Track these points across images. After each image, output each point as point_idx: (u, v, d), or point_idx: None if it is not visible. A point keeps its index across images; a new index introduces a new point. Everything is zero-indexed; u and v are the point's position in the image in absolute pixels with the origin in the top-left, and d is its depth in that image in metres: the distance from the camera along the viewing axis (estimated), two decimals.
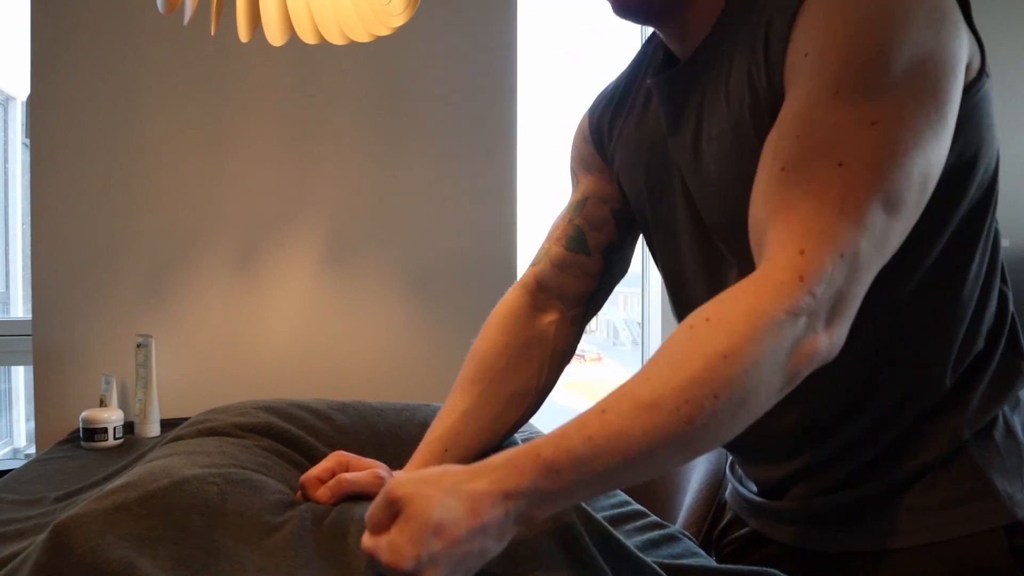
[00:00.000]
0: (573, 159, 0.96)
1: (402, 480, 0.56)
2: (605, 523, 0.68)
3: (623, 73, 0.90)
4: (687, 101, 0.75)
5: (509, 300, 0.93)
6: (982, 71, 0.67)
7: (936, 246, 0.69)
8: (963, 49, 0.62)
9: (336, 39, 1.09)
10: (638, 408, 0.55)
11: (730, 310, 0.57)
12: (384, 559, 0.53)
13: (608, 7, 0.75)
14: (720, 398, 0.54)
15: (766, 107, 0.65)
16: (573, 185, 0.96)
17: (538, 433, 1.30)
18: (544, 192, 2.20)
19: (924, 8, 0.60)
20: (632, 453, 0.54)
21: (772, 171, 0.61)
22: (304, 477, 0.77)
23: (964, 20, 0.64)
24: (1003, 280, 0.76)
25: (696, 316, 0.58)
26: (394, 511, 0.55)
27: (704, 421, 0.54)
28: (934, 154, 0.60)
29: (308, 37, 1.08)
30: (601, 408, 0.56)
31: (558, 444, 0.55)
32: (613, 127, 0.88)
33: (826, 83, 0.60)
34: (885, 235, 0.58)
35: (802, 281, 0.56)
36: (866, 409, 0.73)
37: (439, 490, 0.54)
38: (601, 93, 0.93)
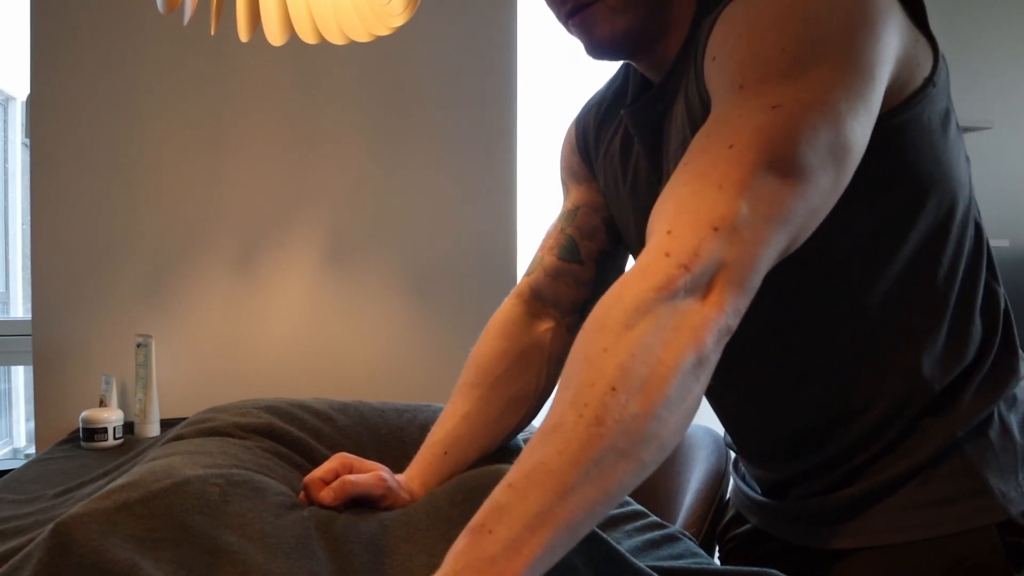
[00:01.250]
0: (563, 169, 0.97)
1: None
2: (603, 535, 0.68)
3: (610, 83, 0.91)
4: (658, 129, 0.76)
5: (506, 308, 0.95)
6: (930, 79, 0.66)
7: (897, 260, 0.70)
8: (886, 52, 0.61)
9: (336, 39, 1.09)
10: (544, 436, 0.51)
11: (600, 312, 0.55)
12: None
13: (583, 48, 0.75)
14: (619, 389, 0.50)
15: (702, 122, 0.64)
16: (564, 194, 0.97)
17: None
18: (544, 192, 2.20)
19: (836, 9, 0.59)
20: (561, 481, 0.48)
21: (678, 168, 0.60)
22: (307, 478, 0.77)
23: (916, 26, 0.65)
24: (994, 277, 0.76)
25: (576, 337, 0.56)
26: None
27: (616, 418, 0.49)
28: (848, 128, 0.58)
29: (308, 37, 1.08)
30: (518, 460, 0.52)
31: (484, 506, 0.50)
32: (599, 142, 0.89)
33: (732, 80, 0.60)
34: (780, 199, 0.56)
35: (668, 256, 0.54)
36: (861, 412, 0.74)
37: None
38: (588, 102, 0.93)
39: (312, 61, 1.71)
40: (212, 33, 1.01)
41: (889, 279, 0.70)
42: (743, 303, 0.56)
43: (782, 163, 0.56)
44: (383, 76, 1.77)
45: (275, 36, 1.06)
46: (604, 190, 0.90)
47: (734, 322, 0.55)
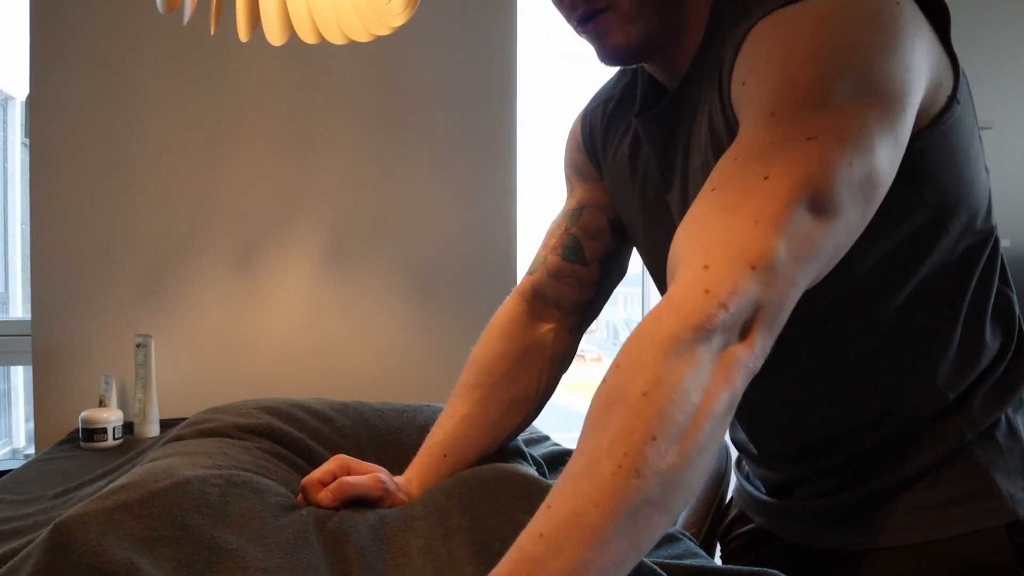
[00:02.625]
0: (567, 165, 0.96)
1: None
2: None
3: (617, 78, 0.89)
4: (672, 137, 0.75)
5: (507, 308, 0.94)
6: (952, 98, 0.65)
7: (915, 277, 0.69)
8: (917, 79, 0.60)
9: (336, 39, 1.09)
10: (578, 482, 0.49)
11: (635, 348, 0.53)
12: None
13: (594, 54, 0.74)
14: (659, 439, 0.48)
15: (727, 144, 0.63)
16: (568, 191, 0.96)
17: (539, 435, 1.30)
18: (544, 192, 2.19)
19: (870, 35, 0.58)
20: (597, 534, 0.47)
21: (704, 192, 0.59)
22: (306, 480, 0.77)
23: (940, 45, 0.64)
24: (1006, 283, 0.76)
25: (608, 371, 0.54)
26: None
27: (654, 469, 0.48)
28: (878, 163, 0.57)
29: (308, 37, 1.08)
30: (546, 504, 0.50)
31: (511, 556, 0.48)
32: (607, 143, 0.88)
33: (763, 106, 0.58)
34: (812, 240, 0.55)
35: (708, 295, 0.52)
36: (878, 421, 0.74)
37: None
38: (595, 98, 0.92)
39: (312, 61, 1.71)
40: (212, 33, 1.01)
41: (906, 295, 0.70)
42: (770, 344, 0.55)
43: (818, 202, 0.54)
44: (383, 76, 1.77)
45: (275, 36, 1.06)
46: (612, 190, 0.89)
47: (760, 364, 0.54)
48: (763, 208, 0.54)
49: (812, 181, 0.54)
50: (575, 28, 0.74)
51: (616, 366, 0.53)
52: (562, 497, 0.49)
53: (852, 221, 0.57)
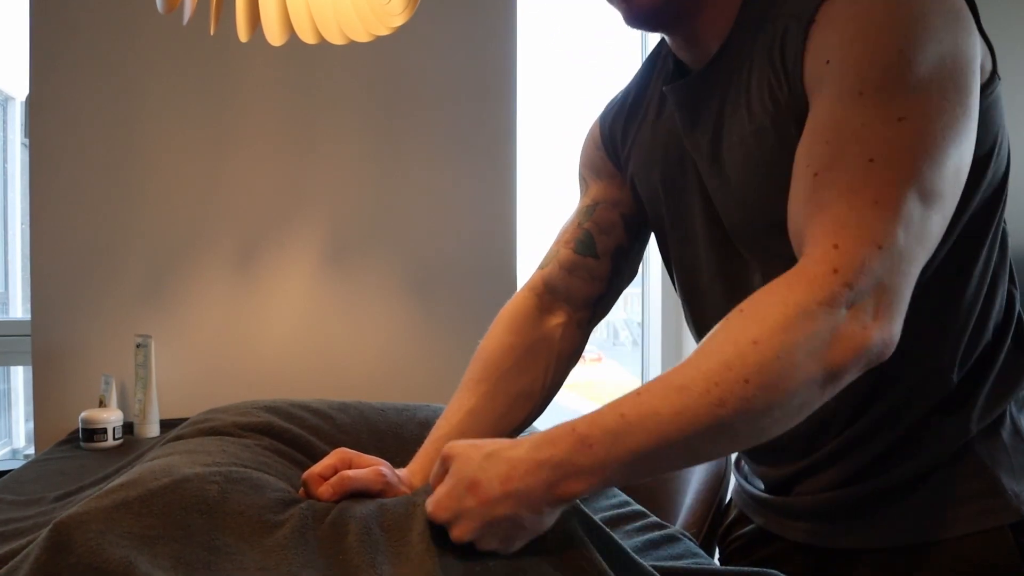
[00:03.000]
0: (583, 165, 0.96)
1: (456, 442, 0.62)
2: (608, 530, 0.68)
3: (633, 81, 0.91)
4: (705, 107, 0.75)
5: (517, 301, 0.94)
6: (994, 72, 0.67)
7: (944, 246, 0.69)
8: (977, 47, 0.63)
9: (336, 39, 1.09)
10: (669, 390, 0.56)
11: (762, 301, 0.58)
12: (429, 509, 0.60)
13: (619, 16, 0.75)
14: (751, 383, 0.54)
15: (790, 116, 0.66)
16: (582, 191, 0.97)
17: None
18: (544, 192, 2.19)
19: (939, 9, 0.61)
20: (663, 433, 0.55)
21: (806, 178, 0.61)
22: (306, 474, 0.77)
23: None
24: (1012, 281, 0.76)
25: (732, 312, 0.59)
26: (445, 468, 0.62)
27: (736, 406, 0.54)
28: (964, 147, 0.60)
29: (307, 37, 1.08)
30: (637, 391, 0.58)
31: (592, 420, 0.57)
32: (627, 133, 0.89)
33: (850, 86, 0.60)
34: (923, 226, 0.58)
35: (836, 273, 0.56)
36: (874, 405, 0.74)
37: (481, 453, 0.59)
38: (611, 101, 0.93)
39: (312, 61, 1.71)
40: (212, 33, 1.01)
41: (931, 267, 0.69)
42: (898, 331, 0.58)
43: (926, 188, 0.58)
44: (383, 76, 1.77)
45: (274, 36, 1.06)
46: (633, 172, 0.89)
47: (888, 352, 0.57)
48: (880, 192, 0.57)
49: (917, 166, 0.58)
50: None
51: (740, 310, 0.58)
52: (651, 394, 0.57)
53: (949, 204, 0.60)
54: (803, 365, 0.55)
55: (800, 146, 0.63)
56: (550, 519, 0.59)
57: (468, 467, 0.59)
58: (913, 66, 0.59)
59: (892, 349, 0.58)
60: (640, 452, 0.56)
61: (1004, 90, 0.70)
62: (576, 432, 0.57)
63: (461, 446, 0.62)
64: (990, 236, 0.72)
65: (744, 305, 0.58)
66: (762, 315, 0.56)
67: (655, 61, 0.87)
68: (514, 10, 1.86)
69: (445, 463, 0.62)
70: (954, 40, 0.60)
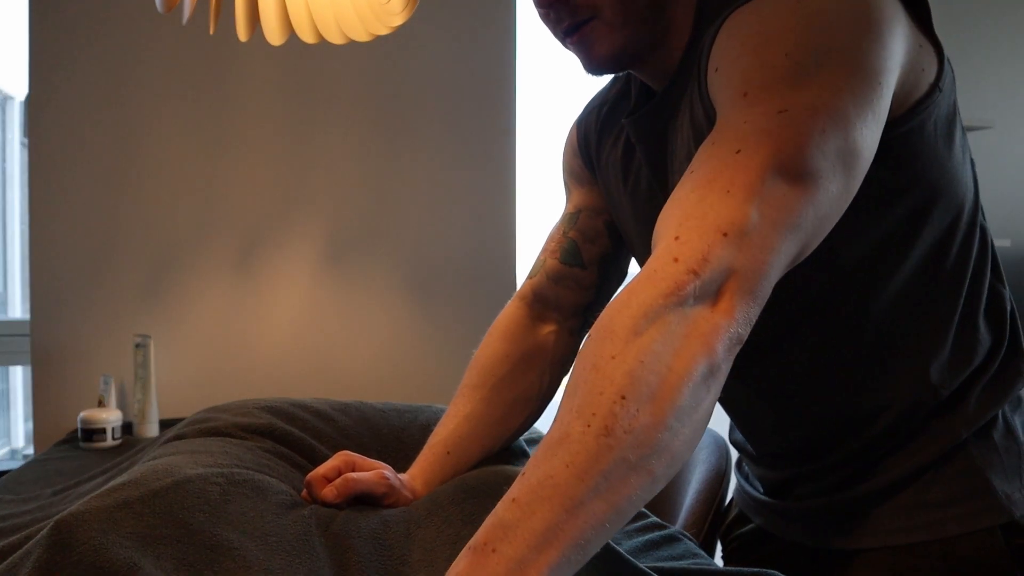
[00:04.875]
0: (565, 171, 0.97)
1: None
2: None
3: (611, 84, 0.90)
4: (661, 137, 0.75)
5: (508, 312, 0.95)
6: (935, 86, 0.65)
7: (904, 268, 0.69)
8: (892, 58, 0.60)
9: (335, 39, 1.09)
10: (550, 447, 0.49)
11: (608, 318, 0.53)
12: None
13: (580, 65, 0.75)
14: (628, 398, 0.48)
15: (707, 133, 0.63)
16: (566, 196, 0.97)
17: (541, 436, 1.30)
18: (543, 193, 2.19)
19: (842, 21, 0.59)
20: (565, 495, 0.46)
21: (683, 177, 0.59)
22: (310, 476, 0.77)
23: (921, 32, 0.64)
24: (999, 279, 0.76)
25: (583, 343, 0.55)
26: None
27: (626, 428, 0.47)
28: (856, 134, 0.57)
29: (307, 36, 1.08)
30: (522, 472, 0.50)
31: (486, 524, 0.48)
32: (601, 146, 0.89)
33: (736, 88, 0.59)
34: (790, 206, 0.54)
35: (677, 262, 0.52)
36: (871, 417, 0.74)
37: None
38: (588, 104, 0.93)
39: (311, 61, 1.70)
40: (211, 33, 1.00)
41: (896, 286, 0.70)
42: (754, 311, 0.54)
43: (791, 168, 0.54)
44: (382, 76, 1.77)
45: (274, 36, 1.06)
46: (606, 194, 0.89)
47: (745, 331, 0.53)
48: (735, 179, 0.54)
49: (784, 148, 0.54)
50: (561, 41, 0.74)
51: (589, 336, 0.53)
52: (535, 463, 0.49)
53: (833, 191, 0.56)
54: (673, 365, 0.50)
55: None
56: None
57: None
58: (801, 67, 0.57)
59: (749, 328, 0.54)
60: (553, 528, 0.46)
61: (1003, 88, 0.70)
62: (472, 548, 0.47)
63: None
64: (959, 245, 0.71)
65: (592, 331, 0.53)
66: (610, 328, 0.52)
67: (630, 74, 0.87)
68: (514, 10, 1.86)
69: None
70: (856, 47, 0.58)
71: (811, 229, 0.56)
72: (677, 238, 0.54)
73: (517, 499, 0.47)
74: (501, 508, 0.48)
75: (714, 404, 0.53)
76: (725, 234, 0.52)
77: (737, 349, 0.54)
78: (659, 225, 0.57)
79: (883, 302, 0.70)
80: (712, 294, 0.52)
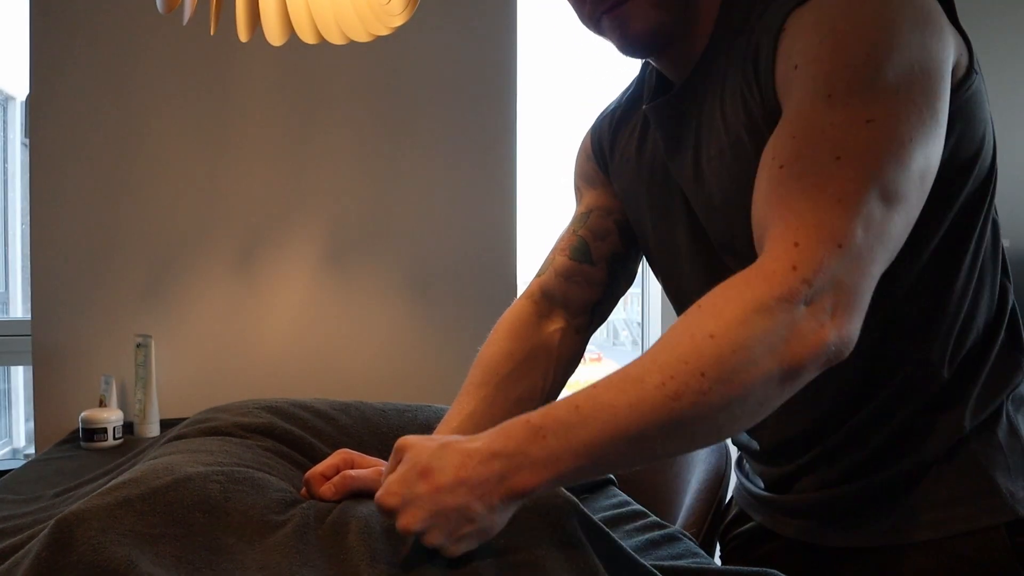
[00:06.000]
0: (577, 176, 0.98)
1: (410, 436, 0.61)
2: (608, 530, 0.68)
3: (624, 92, 0.92)
4: (684, 124, 0.76)
5: (515, 309, 0.95)
6: (971, 68, 0.67)
7: (932, 241, 0.70)
8: (948, 49, 0.63)
9: (335, 39, 1.09)
10: (625, 382, 0.55)
11: (720, 296, 0.57)
12: (377, 497, 0.58)
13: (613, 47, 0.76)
14: (707, 376, 0.53)
15: (763, 125, 0.66)
16: (577, 199, 0.98)
17: None
18: (544, 193, 2.19)
19: (907, 13, 0.61)
20: (618, 426, 0.54)
21: (771, 170, 0.61)
22: (309, 473, 0.78)
23: (949, 20, 0.66)
24: (1004, 273, 0.77)
25: (690, 309, 0.59)
26: (398, 459, 0.60)
27: (692, 400, 0.53)
28: (931, 150, 0.60)
29: (307, 37, 1.08)
30: (594, 384, 0.57)
31: (547, 412, 0.56)
32: (615, 147, 0.90)
33: (818, 88, 0.61)
34: (884, 227, 0.58)
35: (795, 270, 0.55)
36: (869, 402, 0.74)
37: (436, 443, 0.58)
38: (602, 112, 0.95)
39: (312, 61, 1.71)
40: (212, 33, 1.01)
41: (922, 261, 0.71)
42: (856, 330, 0.57)
43: (889, 187, 0.58)
44: (382, 76, 1.77)
45: (274, 36, 1.06)
46: (619, 190, 0.90)
47: (846, 351, 0.57)
48: (844, 190, 0.57)
49: (882, 167, 0.58)
50: (595, 21, 0.75)
51: (698, 306, 0.58)
52: (607, 385, 0.56)
53: (913, 206, 0.60)
54: (760, 361, 0.54)
55: (769, 142, 0.64)
56: (502, 517, 0.58)
57: (422, 455, 0.58)
58: (881, 70, 0.59)
59: (850, 348, 0.57)
60: (594, 445, 0.54)
61: (1001, 88, 0.70)
62: (530, 424, 0.56)
63: (415, 438, 0.61)
64: (978, 230, 0.72)
65: (703, 301, 0.58)
66: (719, 310, 0.56)
67: (644, 75, 0.89)
68: (514, 10, 1.86)
69: (398, 454, 0.61)
70: (922, 43, 0.61)
71: (896, 245, 0.60)
72: (797, 244, 0.56)
73: (580, 407, 0.56)
74: (564, 408, 0.56)
75: (780, 403, 0.58)
76: (840, 246, 0.56)
77: (833, 364, 0.57)
78: (764, 218, 0.60)
79: (905, 284, 0.71)
80: (826, 306, 0.56)
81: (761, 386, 0.55)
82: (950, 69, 0.63)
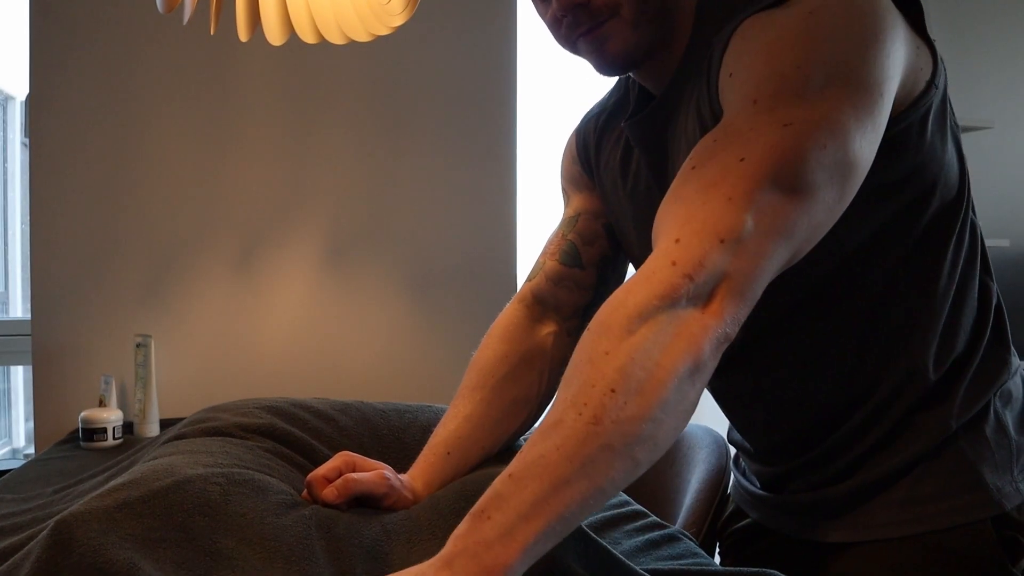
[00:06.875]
0: (563, 178, 0.98)
1: None
2: (597, 538, 0.67)
3: (609, 94, 0.92)
4: (661, 140, 0.77)
5: (507, 313, 0.95)
6: (931, 83, 0.68)
7: (901, 257, 0.72)
8: (896, 65, 0.63)
9: (336, 39, 1.09)
10: (547, 430, 0.54)
11: (605, 315, 0.57)
12: None
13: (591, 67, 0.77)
14: (618, 391, 0.53)
15: None
16: (565, 202, 0.98)
17: None
18: (543, 193, 2.19)
19: (851, 31, 0.62)
20: (554, 473, 0.52)
21: (684, 170, 0.62)
22: (311, 476, 0.78)
23: (916, 34, 0.67)
24: (987, 272, 0.78)
25: (580, 337, 0.58)
26: None
27: (613, 418, 0.52)
28: (854, 146, 0.60)
29: (307, 37, 1.08)
30: (520, 451, 0.55)
31: (486, 494, 0.54)
32: (600, 153, 0.90)
33: (747, 94, 0.62)
34: (784, 216, 0.58)
35: (674, 266, 0.56)
36: (860, 404, 0.76)
37: None
38: (587, 114, 0.95)
39: (312, 61, 1.71)
40: (212, 33, 1.01)
41: (894, 275, 0.72)
42: (743, 313, 0.58)
43: (789, 179, 0.58)
44: (382, 76, 1.77)
45: (274, 36, 1.06)
46: (604, 199, 0.91)
47: (732, 330, 0.57)
48: (737, 186, 0.57)
49: (782, 161, 0.58)
50: (572, 43, 0.76)
51: (587, 331, 0.58)
52: (531, 444, 0.54)
53: (828, 201, 0.60)
54: (661, 361, 0.54)
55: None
56: None
57: None
58: (809, 80, 0.60)
59: (737, 328, 0.57)
60: (539, 502, 0.51)
61: (1003, 88, 0.71)
62: (472, 513, 0.53)
63: None
64: (955, 235, 0.73)
65: (590, 325, 0.58)
66: (607, 326, 0.56)
67: (627, 80, 0.89)
68: (514, 10, 1.86)
69: None
70: (861, 59, 0.61)
71: (803, 236, 0.60)
72: (677, 241, 0.57)
73: (512, 474, 0.53)
74: (499, 481, 0.54)
75: (699, 397, 0.57)
76: (722, 240, 0.56)
77: (724, 347, 0.57)
78: (660, 219, 0.61)
79: (880, 289, 0.73)
80: (704, 296, 0.56)
81: (674, 386, 0.54)
82: (895, 84, 0.64)
